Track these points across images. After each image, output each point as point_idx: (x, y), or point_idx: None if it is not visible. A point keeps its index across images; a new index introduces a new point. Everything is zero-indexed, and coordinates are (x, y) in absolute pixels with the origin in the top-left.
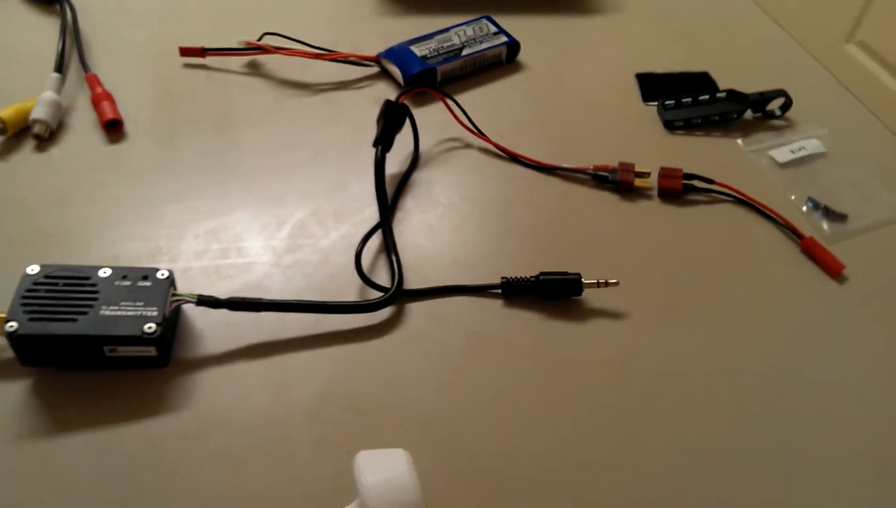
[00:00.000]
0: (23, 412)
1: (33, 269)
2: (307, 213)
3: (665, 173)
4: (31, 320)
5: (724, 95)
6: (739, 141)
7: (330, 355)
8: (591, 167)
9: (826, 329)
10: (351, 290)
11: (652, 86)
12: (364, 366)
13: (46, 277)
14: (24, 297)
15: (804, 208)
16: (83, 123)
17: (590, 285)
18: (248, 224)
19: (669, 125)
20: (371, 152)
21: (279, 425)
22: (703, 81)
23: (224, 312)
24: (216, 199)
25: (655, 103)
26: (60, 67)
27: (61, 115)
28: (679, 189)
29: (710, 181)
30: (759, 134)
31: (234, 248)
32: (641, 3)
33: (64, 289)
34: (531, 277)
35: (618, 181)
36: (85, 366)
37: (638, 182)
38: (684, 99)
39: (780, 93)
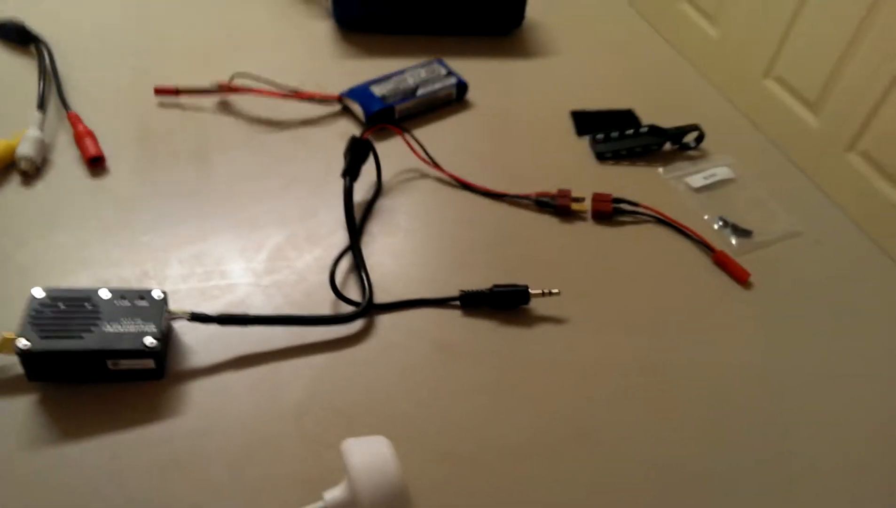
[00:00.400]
0: (31, 424)
1: (39, 292)
2: (283, 238)
3: (597, 198)
4: (41, 337)
5: (646, 129)
6: (660, 169)
7: (310, 363)
8: (534, 194)
9: (735, 327)
10: (325, 306)
11: (584, 121)
12: (341, 372)
13: (51, 299)
14: (33, 317)
15: (716, 226)
16: (66, 160)
17: (536, 295)
18: (229, 248)
19: (600, 156)
20: (336, 183)
21: (267, 425)
22: (628, 118)
23: (212, 327)
24: (197, 226)
25: (588, 137)
26: (42, 105)
27: (45, 151)
28: (610, 212)
29: (636, 205)
30: (677, 163)
31: (217, 271)
32: (575, 49)
33: (68, 309)
34: (485, 289)
35: (556, 206)
36: (88, 380)
37: (574, 206)
38: (612, 133)
39: (695, 127)
